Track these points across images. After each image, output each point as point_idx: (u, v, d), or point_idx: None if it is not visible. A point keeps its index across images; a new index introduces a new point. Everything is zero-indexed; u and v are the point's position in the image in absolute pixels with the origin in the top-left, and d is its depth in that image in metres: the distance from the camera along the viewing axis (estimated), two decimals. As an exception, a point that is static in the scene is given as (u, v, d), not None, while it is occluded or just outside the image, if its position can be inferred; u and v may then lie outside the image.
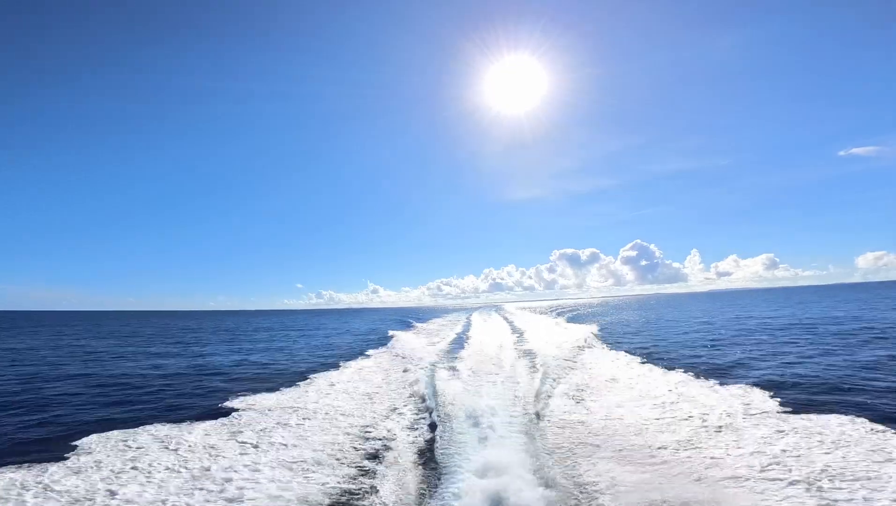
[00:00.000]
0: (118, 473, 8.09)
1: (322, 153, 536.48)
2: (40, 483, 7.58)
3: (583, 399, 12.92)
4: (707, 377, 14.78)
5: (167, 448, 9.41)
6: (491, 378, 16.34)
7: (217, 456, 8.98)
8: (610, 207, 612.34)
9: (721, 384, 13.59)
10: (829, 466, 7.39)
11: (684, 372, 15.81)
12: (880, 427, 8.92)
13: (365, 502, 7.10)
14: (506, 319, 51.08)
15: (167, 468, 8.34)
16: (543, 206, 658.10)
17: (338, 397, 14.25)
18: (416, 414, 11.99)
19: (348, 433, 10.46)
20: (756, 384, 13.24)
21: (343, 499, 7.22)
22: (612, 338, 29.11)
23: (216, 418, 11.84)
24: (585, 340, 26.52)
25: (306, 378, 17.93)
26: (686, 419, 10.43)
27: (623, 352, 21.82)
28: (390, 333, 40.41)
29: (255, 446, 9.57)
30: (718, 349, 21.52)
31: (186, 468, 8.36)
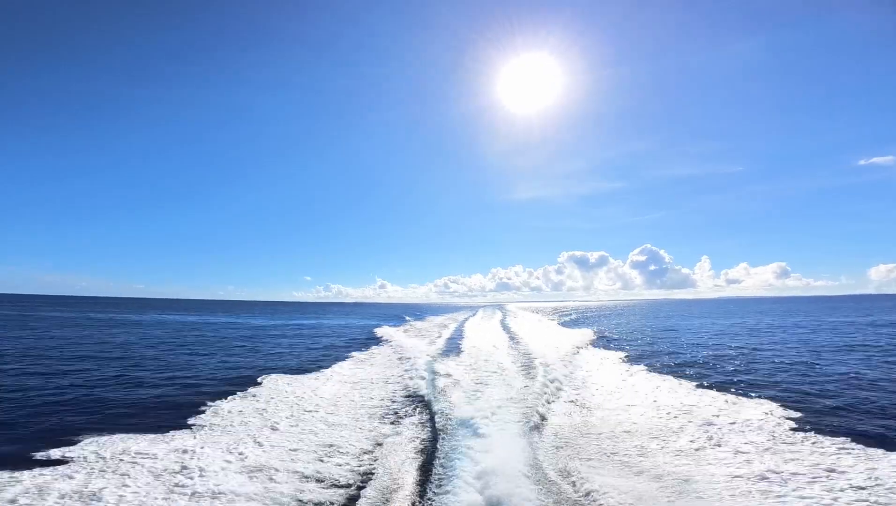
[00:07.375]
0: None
1: (335, 147, 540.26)
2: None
3: (583, 403, 12.62)
4: (724, 389, 14.32)
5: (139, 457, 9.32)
6: (490, 377, 16.08)
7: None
8: (620, 210, 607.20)
9: (742, 395, 13.19)
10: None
11: (690, 381, 15.38)
12: None
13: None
14: (509, 319, 50.67)
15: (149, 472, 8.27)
16: (552, 206, 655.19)
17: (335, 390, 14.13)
18: (413, 413, 11.78)
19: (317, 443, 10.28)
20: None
21: None
22: (616, 343, 28.65)
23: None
24: (586, 343, 26.07)
25: (320, 368, 17.81)
26: (682, 427, 10.09)
27: (624, 356, 21.39)
28: (388, 327, 40.32)
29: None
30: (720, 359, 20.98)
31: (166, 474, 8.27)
